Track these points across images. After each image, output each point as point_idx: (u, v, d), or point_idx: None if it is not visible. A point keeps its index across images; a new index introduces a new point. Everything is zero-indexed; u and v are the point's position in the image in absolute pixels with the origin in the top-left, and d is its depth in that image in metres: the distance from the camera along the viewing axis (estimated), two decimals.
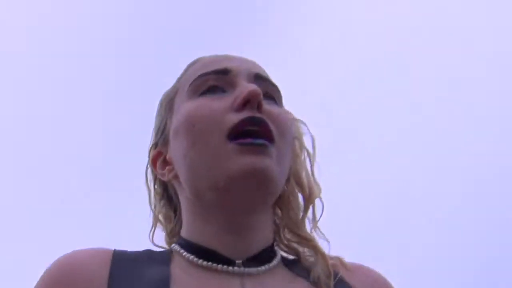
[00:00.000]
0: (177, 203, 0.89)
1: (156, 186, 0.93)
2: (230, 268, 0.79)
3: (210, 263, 0.79)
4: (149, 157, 0.91)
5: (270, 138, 0.78)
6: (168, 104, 0.89)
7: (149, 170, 0.92)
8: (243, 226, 0.80)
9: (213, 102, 0.80)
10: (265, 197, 0.79)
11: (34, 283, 0.86)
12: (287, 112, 0.86)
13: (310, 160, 0.88)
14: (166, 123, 0.88)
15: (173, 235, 0.90)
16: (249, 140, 0.76)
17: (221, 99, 0.80)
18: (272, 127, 0.78)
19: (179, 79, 0.90)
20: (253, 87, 0.79)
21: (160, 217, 0.92)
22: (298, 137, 0.89)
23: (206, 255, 0.79)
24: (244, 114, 0.78)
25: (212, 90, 0.82)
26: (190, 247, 0.82)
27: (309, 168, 0.88)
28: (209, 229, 0.81)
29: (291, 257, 0.86)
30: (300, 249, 0.86)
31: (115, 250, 0.84)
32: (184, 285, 0.76)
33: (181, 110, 0.84)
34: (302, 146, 0.89)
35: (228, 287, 0.77)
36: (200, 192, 0.80)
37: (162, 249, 0.88)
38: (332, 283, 0.80)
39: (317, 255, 0.83)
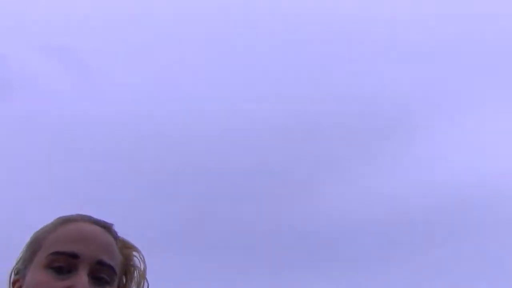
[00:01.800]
0: None
1: None
2: None
3: None
4: (11, 277, 1.20)
5: None
6: (34, 248, 1.18)
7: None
8: None
9: (55, 283, 1.11)
10: None
11: None
12: None
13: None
14: (26, 265, 1.18)
15: None
16: None
17: (61, 281, 1.11)
18: None
19: (50, 230, 1.19)
20: (81, 285, 1.10)
21: None
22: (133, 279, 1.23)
23: None
24: None
25: (58, 270, 1.13)
26: None
27: None
28: None
29: None
30: None
31: None
32: None
33: (36, 274, 1.14)
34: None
35: None
36: None
37: None
38: None
39: None
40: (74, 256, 1.13)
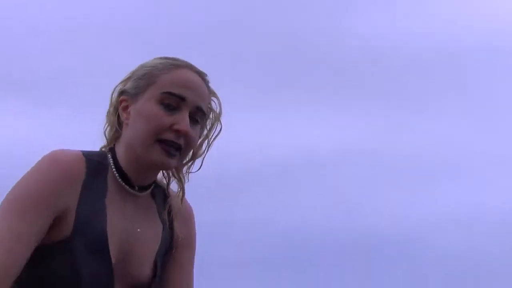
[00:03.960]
0: (119, 130, 1.43)
1: (112, 110, 1.45)
2: (131, 190, 1.41)
3: (123, 183, 1.40)
4: (118, 95, 1.45)
5: (179, 151, 1.40)
6: (148, 81, 1.41)
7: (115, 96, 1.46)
8: (147, 174, 1.42)
9: (163, 118, 1.38)
10: (161, 170, 1.46)
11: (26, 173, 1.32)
12: (198, 132, 1.44)
13: (207, 139, 1.48)
14: (138, 92, 1.41)
15: (108, 141, 1.45)
16: (169, 149, 1.38)
17: (168, 117, 1.38)
18: (183, 145, 1.40)
19: (161, 70, 1.41)
20: (186, 127, 1.37)
21: (108, 127, 1.45)
22: (208, 130, 1.49)
23: (122, 177, 1.40)
24: (172, 137, 1.38)
25: (167, 106, 1.39)
26: (117, 166, 1.40)
27: (204, 145, 1.48)
28: (133, 166, 1.40)
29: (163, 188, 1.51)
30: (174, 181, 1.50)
31: (84, 155, 1.37)
32: (112, 196, 1.38)
33: (149, 104, 1.39)
34: (207, 135, 1.48)
35: (128, 200, 1.40)
36: (135, 150, 1.39)
37: (99, 151, 1.44)
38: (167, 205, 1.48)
39: (179, 187, 1.50)
40: (182, 99, 1.39)
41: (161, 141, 1.37)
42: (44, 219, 1.30)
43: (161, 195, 1.49)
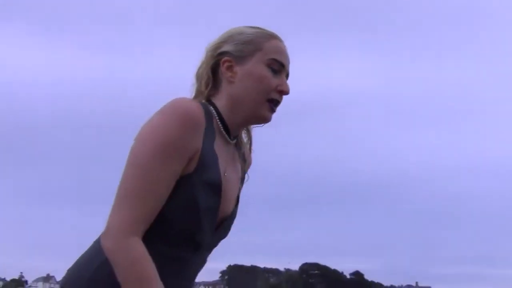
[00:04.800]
0: (216, 86, 1.64)
1: (209, 68, 1.64)
2: (228, 138, 1.63)
3: (224, 132, 1.62)
4: (218, 54, 1.63)
5: (277, 106, 1.65)
6: (255, 47, 1.63)
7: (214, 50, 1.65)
8: (242, 126, 1.68)
9: (272, 79, 1.62)
10: (260, 123, 1.68)
11: (156, 117, 1.49)
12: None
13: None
14: (245, 56, 1.62)
15: (202, 97, 1.63)
16: (273, 106, 1.63)
17: (274, 79, 1.62)
18: (281, 101, 1.65)
19: (263, 39, 1.64)
20: (287, 88, 1.64)
21: (201, 83, 1.65)
22: None
23: (225, 128, 1.62)
24: (277, 97, 1.63)
25: (273, 70, 1.62)
26: (221, 118, 1.61)
27: None
28: (235, 118, 1.63)
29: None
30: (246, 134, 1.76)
31: (200, 104, 1.56)
32: (218, 142, 1.60)
33: (260, 67, 1.61)
34: None
35: (226, 150, 1.62)
36: (242, 105, 1.62)
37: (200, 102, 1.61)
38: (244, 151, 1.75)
39: (248, 138, 1.75)
40: (283, 65, 1.64)
41: (269, 100, 1.61)
42: (182, 164, 1.48)
43: (237, 143, 1.72)
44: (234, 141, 1.67)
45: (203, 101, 1.61)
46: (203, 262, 1.65)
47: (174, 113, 1.46)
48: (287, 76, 1.66)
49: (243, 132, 1.72)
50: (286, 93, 1.63)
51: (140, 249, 1.44)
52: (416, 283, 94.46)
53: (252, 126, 1.71)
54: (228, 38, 1.64)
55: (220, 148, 1.59)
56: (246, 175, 1.76)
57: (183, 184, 1.49)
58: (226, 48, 1.62)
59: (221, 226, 1.63)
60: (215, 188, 1.55)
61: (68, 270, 1.58)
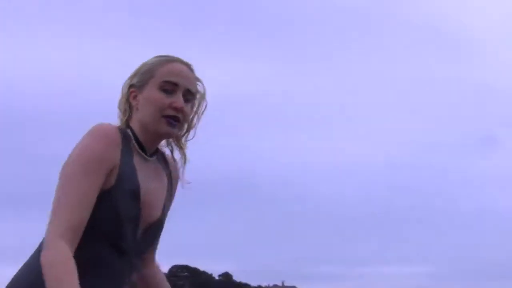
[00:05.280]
0: (131, 114, 1.91)
1: (124, 100, 1.93)
2: (145, 156, 1.89)
3: (142, 152, 1.87)
4: (128, 88, 1.92)
5: (178, 122, 1.88)
6: (150, 75, 1.89)
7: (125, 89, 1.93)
8: (154, 143, 1.92)
9: (164, 99, 1.87)
10: (166, 138, 1.96)
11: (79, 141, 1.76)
12: (190, 108, 1.92)
13: (197, 114, 1.96)
14: (142, 84, 1.89)
15: (122, 124, 1.91)
16: (171, 121, 1.86)
17: (167, 98, 1.87)
18: (181, 118, 1.88)
19: (158, 65, 1.90)
20: (181, 104, 1.86)
21: (122, 111, 1.93)
22: (197, 107, 1.98)
23: (141, 147, 1.87)
24: (173, 112, 1.86)
25: (166, 91, 1.88)
26: (136, 139, 1.87)
27: (195, 118, 1.96)
28: (146, 138, 1.89)
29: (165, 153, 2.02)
30: (176, 148, 2.01)
31: (117, 127, 1.85)
32: (136, 159, 1.86)
33: (153, 91, 1.88)
34: (196, 111, 1.98)
35: (144, 162, 1.88)
36: (147, 126, 1.87)
37: (121, 127, 1.89)
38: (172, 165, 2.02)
39: (181, 154, 1.99)
40: (176, 84, 1.88)
41: (165, 116, 1.84)
42: (102, 177, 1.73)
43: (161, 158, 1.97)
44: (154, 157, 1.93)
45: (123, 126, 1.89)
46: (132, 267, 1.86)
47: (95, 134, 1.76)
48: (189, 91, 1.90)
49: (176, 149, 2.00)
50: (179, 108, 1.86)
51: (64, 254, 1.62)
52: (282, 282, 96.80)
53: (185, 141, 1.98)
54: (135, 72, 1.93)
55: (140, 164, 1.86)
56: (175, 185, 2.01)
57: (106, 196, 1.74)
58: (133, 81, 1.92)
59: (147, 233, 1.86)
60: (134, 197, 1.79)
61: (12, 278, 1.74)
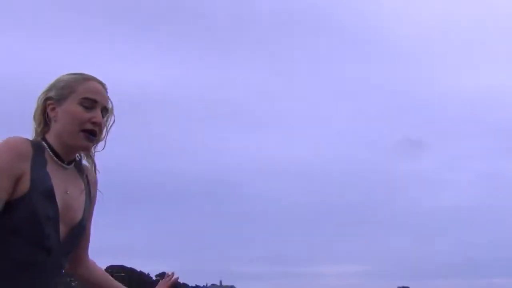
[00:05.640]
0: (49, 125, 2.05)
1: (39, 111, 2.08)
2: (63, 164, 2.04)
3: (59, 161, 2.02)
4: (45, 100, 2.07)
5: (95, 136, 2.06)
6: (70, 90, 2.06)
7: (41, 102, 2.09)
8: (71, 154, 2.08)
9: (83, 114, 2.03)
10: (83, 151, 2.13)
11: None
12: (105, 121, 2.10)
13: (106, 128, 2.12)
14: (61, 99, 2.05)
15: (38, 134, 2.06)
16: (89, 136, 2.03)
17: (86, 113, 2.03)
18: (98, 132, 2.06)
19: (78, 82, 2.07)
20: (99, 119, 2.04)
21: (36, 124, 2.07)
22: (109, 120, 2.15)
23: (57, 156, 2.02)
24: (91, 127, 2.04)
25: (85, 107, 2.04)
26: (52, 149, 2.02)
27: (104, 131, 2.11)
28: (63, 148, 2.04)
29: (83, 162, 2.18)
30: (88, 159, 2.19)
31: (29, 140, 1.99)
32: (51, 167, 1.99)
33: (73, 106, 2.03)
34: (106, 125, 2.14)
35: (60, 170, 2.03)
36: (64, 138, 2.02)
37: (34, 139, 2.06)
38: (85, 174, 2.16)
39: (89, 163, 2.17)
40: (95, 101, 2.05)
41: (84, 130, 2.02)
42: (8, 182, 1.87)
43: (78, 167, 2.14)
44: (71, 165, 2.09)
45: (38, 138, 2.05)
46: (60, 266, 2.00)
47: (5, 146, 1.92)
48: (105, 107, 2.09)
49: (87, 158, 2.16)
50: (98, 123, 2.04)
51: None
52: (220, 281, 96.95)
53: (94, 152, 2.14)
54: (51, 86, 2.08)
55: (56, 171, 2.01)
56: (97, 191, 2.19)
57: (24, 200, 1.89)
58: (50, 94, 2.06)
59: (71, 234, 2.00)
60: (49, 197, 1.93)
61: None
